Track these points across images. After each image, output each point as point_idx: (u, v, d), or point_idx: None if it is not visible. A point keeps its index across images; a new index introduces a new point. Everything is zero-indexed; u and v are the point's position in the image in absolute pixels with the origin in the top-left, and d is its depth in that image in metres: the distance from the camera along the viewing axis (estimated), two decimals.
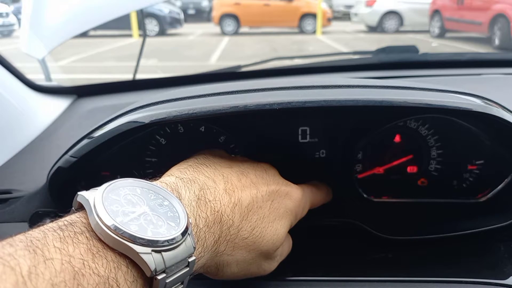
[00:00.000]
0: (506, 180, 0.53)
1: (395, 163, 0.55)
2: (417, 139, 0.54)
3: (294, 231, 0.45)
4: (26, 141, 0.72)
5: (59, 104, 0.89)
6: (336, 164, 0.53)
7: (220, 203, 0.36)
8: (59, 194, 0.49)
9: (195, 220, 0.33)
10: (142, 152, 0.51)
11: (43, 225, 0.27)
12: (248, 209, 0.38)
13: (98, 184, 0.30)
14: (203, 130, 0.50)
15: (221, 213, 0.36)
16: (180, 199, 0.33)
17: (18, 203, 0.52)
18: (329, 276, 0.45)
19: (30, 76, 0.85)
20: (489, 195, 0.54)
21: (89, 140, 0.44)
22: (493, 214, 0.52)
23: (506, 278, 0.43)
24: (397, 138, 0.54)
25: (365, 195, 0.55)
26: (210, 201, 0.36)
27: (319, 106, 0.41)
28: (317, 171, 0.53)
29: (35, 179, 0.55)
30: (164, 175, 0.38)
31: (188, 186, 0.35)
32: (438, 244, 0.51)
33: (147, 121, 0.42)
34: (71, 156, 0.45)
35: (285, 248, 0.44)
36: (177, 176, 0.36)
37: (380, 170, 0.55)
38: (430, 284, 0.43)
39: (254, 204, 0.39)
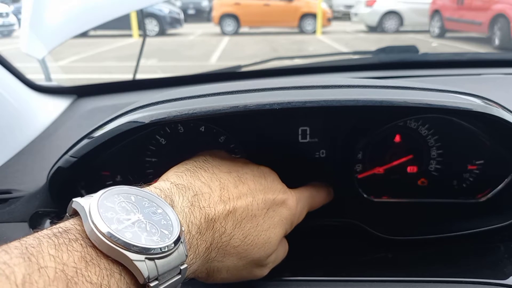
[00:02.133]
0: (506, 180, 0.53)
1: (395, 163, 0.55)
2: (417, 139, 0.54)
3: (294, 232, 0.45)
4: (26, 141, 0.72)
5: (59, 104, 0.89)
6: (336, 164, 0.53)
7: (214, 210, 0.36)
8: (59, 194, 0.49)
9: (188, 226, 0.33)
10: (142, 152, 0.51)
11: (40, 230, 0.27)
12: (242, 217, 0.38)
13: (98, 184, 0.30)
14: (203, 130, 0.50)
15: (214, 220, 0.36)
16: (173, 206, 0.33)
17: (18, 203, 0.52)
18: (329, 276, 0.45)
19: (30, 76, 0.85)
20: (489, 195, 0.54)
21: (89, 140, 0.44)
22: (493, 214, 0.52)
23: (506, 278, 0.43)
24: (397, 138, 0.54)
25: (365, 195, 0.55)
26: (203, 207, 0.36)
27: (319, 106, 0.41)
28: (317, 171, 0.53)
29: (35, 179, 0.55)
30: (160, 178, 0.38)
31: (182, 192, 0.35)
32: (438, 244, 0.51)
33: (147, 121, 0.41)
34: (71, 156, 0.45)
35: (279, 254, 0.44)
36: (172, 182, 0.36)
37: (380, 170, 0.55)
38: (430, 284, 0.43)
39: (249, 212, 0.39)
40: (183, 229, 0.31)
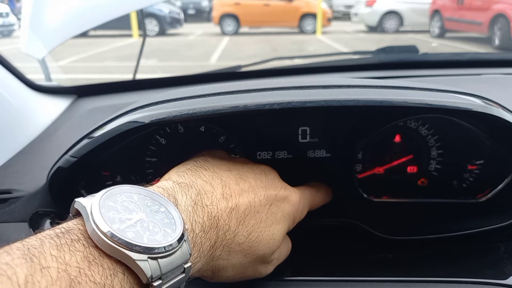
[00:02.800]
0: (506, 180, 0.53)
1: (395, 163, 0.55)
2: (417, 139, 0.54)
3: (294, 231, 0.45)
4: (26, 141, 0.72)
5: (59, 104, 0.89)
6: (336, 164, 0.53)
7: (217, 208, 0.36)
8: (59, 194, 0.49)
9: (191, 225, 0.33)
10: (142, 152, 0.51)
11: (40, 230, 0.27)
12: (245, 214, 0.38)
13: (98, 184, 0.30)
14: (203, 130, 0.50)
15: (218, 218, 0.36)
16: (176, 205, 0.33)
17: (18, 203, 0.52)
18: (329, 276, 0.45)
19: (30, 76, 0.85)
20: (489, 195, 0.54)
21: (89, 140, 0.44)
22: (493, 214, 0.52)
23: (506, 278, 0.43)
24: (397, 138, 0.54)
25: (365, 195, 0.55)
26: (207, 205, 0.36)
27: (319, 106, 0.41)
28: (317, 171, 0.53)
29: (35, 179, 0.55)
30: (162, 178, 0.38)
31: (185, 191, 0.35)
32: (438, 244, 0.51)
33: (147, 121, 0.42)
34: (71, 156, 0.45)
35: (283, 251, 0.44)
36: (175, 181, 0.36)
37: (380, 170, 0.55)
38: (430, 284, 0.43)
39: (252, 209, 0.39)
40: (186, 228, 0.31)
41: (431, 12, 7.77)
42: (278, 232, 0.41)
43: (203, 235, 0.34)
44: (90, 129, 0.45)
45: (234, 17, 9.45)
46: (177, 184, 0.36)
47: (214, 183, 0.38)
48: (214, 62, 5.70)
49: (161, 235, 0.29)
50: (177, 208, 0.32)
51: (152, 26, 8.76)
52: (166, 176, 0.39)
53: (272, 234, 0.40)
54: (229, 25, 9.47)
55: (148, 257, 0.27)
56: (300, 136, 0.52)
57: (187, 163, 0.41)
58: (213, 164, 0.41)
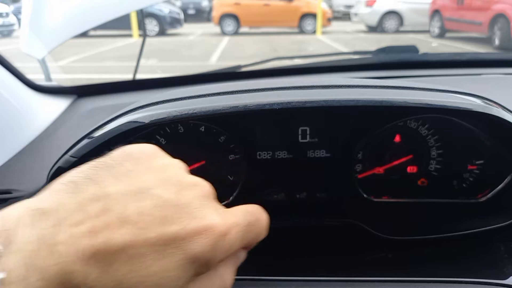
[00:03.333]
0: (506, 180, 0.53)
1: (395, 163, 0.55)
2: (417, 139, 0.54)
3: (294, 231, 0.45)
4: (26, 141, 0.72)
5: (59, 104, 0.89)
6: (336, 164, 0.53)
7: (74, 247, 0.26)
8: None
9: (26, 270, 0.24)
10: None
11: None
12: (117, 258, 0.27)
13: None
14: (203, 130, 0.50)
15: (69, 262, 0.26)
16: (10, 243, 0.25)
17: None
18: (329, 276, 0.45)
19: (30, 76, 0.85)
20: (489, 195, 0.54)
21: (89, 140, 0.44)
22: (493, 214, 0.52)
23: (506, 278, 0.43)
24: (397, 138, 0.54)
25: (365, 195, 0.55)
26: (57, 244, 0.26)
27: (319, 106, 0.41)
28: (317, 171, 0.53)
29: (35, 179, 0.55)
30: (38, 196, 0.30)
31: (35, 221, 0.26)
32: (438, 244, 0.51)
33: (147, 121, 0.42)
34: (71, 156, 0.45)
35: None
36: (29, 206, 0.27)
37: (380, 170, 0.55)
38: (430, 284, 0.43)
39: (130, 250, 0.27)
40: (2, 277, 0.24)
41: (431, 12, 7.78)
42: (171, 282, 0.29)
43: (42, 284, 0.25)
44: (90, 129, 0.45)
45: (234, 17, 9.46)
46: (30, 210, 0.27)
47: (90, 208, 0.28)
48: (214, 62, 5.71)
49: None
50: (9, 247, 0.25)
51: (152, 26, 8.77)
52: (44, 191, 0.30)
53: (156, 285, 0.29)
54: (229, 25, 9.48)
55: None
56: (300, 136, 0.52)
57: (81, 169, 0.31)
58: (112, 174, 0.31)
